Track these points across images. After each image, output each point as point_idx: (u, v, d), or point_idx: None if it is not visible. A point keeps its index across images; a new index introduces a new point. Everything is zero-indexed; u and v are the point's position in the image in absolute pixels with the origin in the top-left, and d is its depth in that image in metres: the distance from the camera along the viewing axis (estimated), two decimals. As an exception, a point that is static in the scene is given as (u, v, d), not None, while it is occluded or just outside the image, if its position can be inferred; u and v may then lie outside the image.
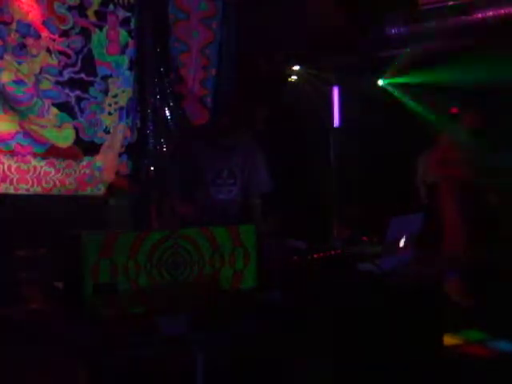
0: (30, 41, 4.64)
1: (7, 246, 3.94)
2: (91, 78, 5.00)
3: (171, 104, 5.39)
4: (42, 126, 4.73)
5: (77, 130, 4.93)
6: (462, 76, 6.08)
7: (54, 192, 4.80)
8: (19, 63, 4.59)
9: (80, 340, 1.91)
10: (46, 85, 4.74)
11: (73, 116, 4.90)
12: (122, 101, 5.19)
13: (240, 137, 3.41)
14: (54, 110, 4.80)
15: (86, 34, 4.94)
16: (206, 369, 1.74)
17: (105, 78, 5.07)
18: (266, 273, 2.53)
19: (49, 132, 4.77)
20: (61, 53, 4.81)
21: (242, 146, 3.46)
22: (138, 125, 5.31)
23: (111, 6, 5.09)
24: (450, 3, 6.10)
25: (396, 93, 6.91)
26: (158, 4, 5.43)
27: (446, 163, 5.71)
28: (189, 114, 5.58)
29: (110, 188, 5.10)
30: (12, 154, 4.58)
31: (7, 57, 4.53)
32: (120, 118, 5.19)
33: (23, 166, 4.63)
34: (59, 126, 4.83)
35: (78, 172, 4.93)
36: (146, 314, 2.06)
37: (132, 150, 5.20)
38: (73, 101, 4.90)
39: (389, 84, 7.02)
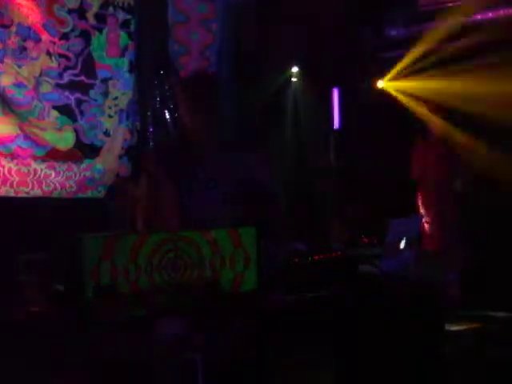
0: (30, 44, 4.65)
1: (8, 248, 3.94)
2: (91, 81, 5.01)
3: (171, 106, 5.39)
4: (42, 129, 4.73)
5: (77, 132, 4.93)
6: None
7: (55, 195, 4.81)
8: (19, 66, 4.60)
9: (80, 341, 1.92)
10: (46, 87, 4.75)
11: (73, 119, 4.91)
12: (122, 103, 5.19)
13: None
14: (54, 113, 4.80)
15: (85, 36, 4.95)
16: (206, 370, 1.74)
17: (105, 80, 5.08)
18: (267, 275, 2.54)
19: (49, 135, 4.78)
20: (61, 55, 4.82)
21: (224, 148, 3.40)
22: (138, 127, 5.32)
23: (111, 9, 5.10)
24: (450, 4, 6.10)
25: (396, 94, 6.91)
26: (157, 6, 5.44)
27: (423, 164, 5.74)
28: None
29: (111, 190, 5.10)
30: (12, 156, 4.58)
31: (7, 60, 4.54)
32: (120, 121, 5.19)
33: (23, 169, 4.64)
34: (59, 129, 4.83)
35: (78, 175, 4.93)
36: (146, 315, 2.06)
37: (132, 153, 5.20)
38: (73, 103, 4.90)
39: (389, 85, 7.01)
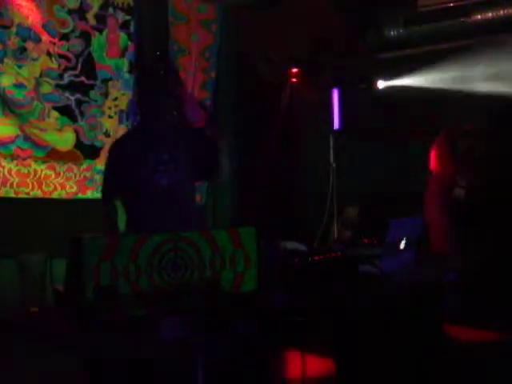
0: (30, 44, 4.65)
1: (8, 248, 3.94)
2: (91, 82, 5.01)
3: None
4: (43, 130, 4.74)
5: (77, 133, 4.94)
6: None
7: (55, 195, 4.81)
8: (19, 67, 4.60)
9: (80, 341, 1.92)
10: (46, 88, 4.75)
11: (73, 119, 4.91)
12: (122, 104, 5.20)
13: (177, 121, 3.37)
14: (55, 114, 4.81)
15: (85, 37, 4.96)
16: (206, 370, 1.74)
17: (105, 81, 5.09)
18: (267, 275, 2.54)
19: (49, 135, 4.78)
20: (61, 56, 4.82)
21: (179, 130, 3.43)
22: (138, 128, 5.32)
23: (111, 9, 5.10)
24: (449, 5, 6.11)
25: (396, 95, 6.92)
26: (157, 7, 5.45)
27: (436, 167, 5.74)
28: (189, 117, 5.59)
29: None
30: (12, 157, 4.59)
31: (7, 60, 4.54)
32: (120, 121, 5.20)
33: (23, 170, 4.64)
34: (59, 130, 4.84)
35: (78, 175, 4.93)
36: (146, 315, 2.06)
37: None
38: (73, 104, 4.91)
39: (388, 86, 7.02)
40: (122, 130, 5.17)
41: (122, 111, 5.19)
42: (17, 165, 4.61)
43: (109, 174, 3.37)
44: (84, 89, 4.97)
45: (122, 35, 5.18)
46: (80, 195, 4.95)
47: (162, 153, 3.26)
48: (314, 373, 2.46)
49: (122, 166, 3.25)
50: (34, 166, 4.70)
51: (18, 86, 4.60)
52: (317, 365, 2.51)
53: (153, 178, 3.22)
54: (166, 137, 3.31)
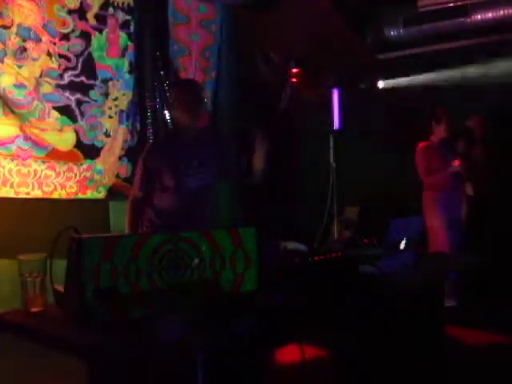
0: (30, 44, 4.65)
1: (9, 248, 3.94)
2: (91, 82, 5.01)
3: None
4: (43, 130, 4.74)
5: (77, 133, 4.93)
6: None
7: (55, 195, 4.81)
8: (20, 67, 4.60)
9: (80, 341, 1.92)
10: (46, 88, 4.75)
11: (73, 119, 4.91)
12: (122, 104, 5.20)
13: (202, 131, 3.87)
14: (55, 114, 4.80)
15: (86, 37, 4.96)
16: (206, 370, 1.74)
17: (105, 81, 5.08)
18: (267, 275, 2.54)
19: (49, 135, 4.78)
20: (61, 56, 4.82)
21: (209, 139, 3.90)
22: (138, 128, 5.33)
23: (111, 9, 5.10)
24: (449, 5, 6.11)
25: (396, 94, 6.92)
26: (157, 7, 5.45)
27: (429, 169, 5.73)
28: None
29: (111, 191, 5.11)
30: (12, 157, 4.58)
31: (7, 60, 4.54)
32: (120, 121, 5.19)
33: (24, 170, 4.64)
34: (60, 130, 4.84)
35: (78, 175, 4.93)
36: (146, 316, 2.06)
37: (132, 153, 5.20)
38: (73, 104, 4.90)
39: (389, 86, 7.03)
40: (121, 130, 5.18)
41: (122, 111, 5.19)
42: (17, 165, 4.61)
43: (143, 182, 3.72)
44: (84, 89, 4.97)
45: (122, 35, 5.18)
46: (80, 195, 4.94)
47: (192, 158, 3.62)
48: (312, 363, 2.46)
49: (155, 173, 3.64)
50: (34, 165, 4.70)
51: (18, 86, 4.60)
52: (315, 354, 2.51)
53: (183, 181, 3.59)
54: (195, 142, 3.68)
